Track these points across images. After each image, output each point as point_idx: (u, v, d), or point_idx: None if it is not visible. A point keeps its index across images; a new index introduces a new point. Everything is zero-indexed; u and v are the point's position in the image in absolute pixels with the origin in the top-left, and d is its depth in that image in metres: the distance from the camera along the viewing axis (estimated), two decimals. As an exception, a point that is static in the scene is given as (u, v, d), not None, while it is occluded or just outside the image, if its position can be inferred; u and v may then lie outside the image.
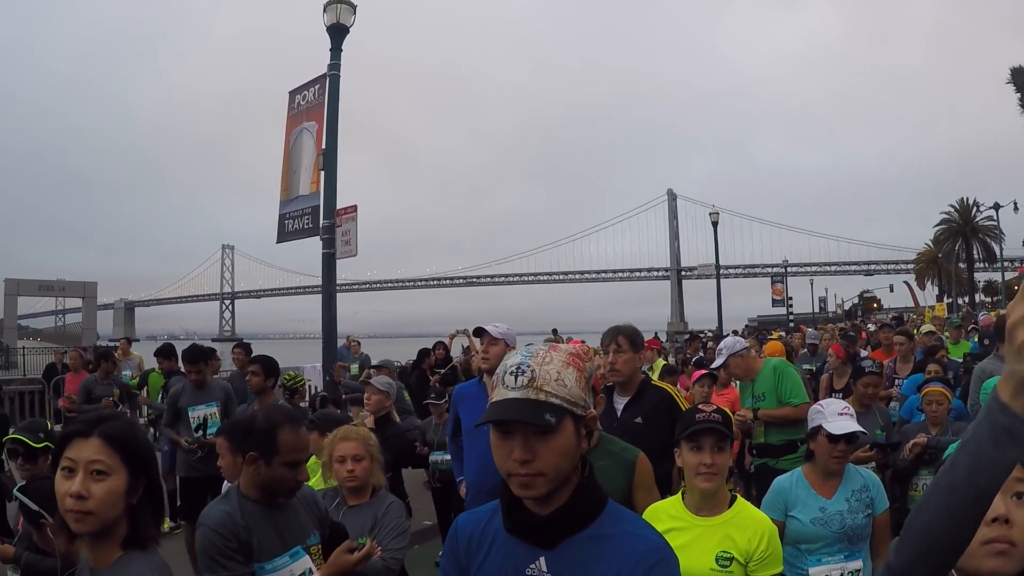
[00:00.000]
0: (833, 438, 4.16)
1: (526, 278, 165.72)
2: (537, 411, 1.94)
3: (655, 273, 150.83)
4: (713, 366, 7.95)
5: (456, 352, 16.85)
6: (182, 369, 9.37)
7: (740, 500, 3.52)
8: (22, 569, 4.29)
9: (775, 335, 24.08)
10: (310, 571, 3.53)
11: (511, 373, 2.00)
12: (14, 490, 4.34)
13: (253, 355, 7.74)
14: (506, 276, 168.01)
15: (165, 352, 11.38)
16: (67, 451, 2.29)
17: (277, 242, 15.06)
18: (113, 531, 2.32)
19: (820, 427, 4.24)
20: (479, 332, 5.79)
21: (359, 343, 19.27)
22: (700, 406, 3.60)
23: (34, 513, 3.87)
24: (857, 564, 4.10)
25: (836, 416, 4.25)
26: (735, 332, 34.45)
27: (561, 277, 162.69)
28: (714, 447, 3.40)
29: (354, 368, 17.09)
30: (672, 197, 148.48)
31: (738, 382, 9.09)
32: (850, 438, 4.22)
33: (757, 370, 7.12)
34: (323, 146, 13.77)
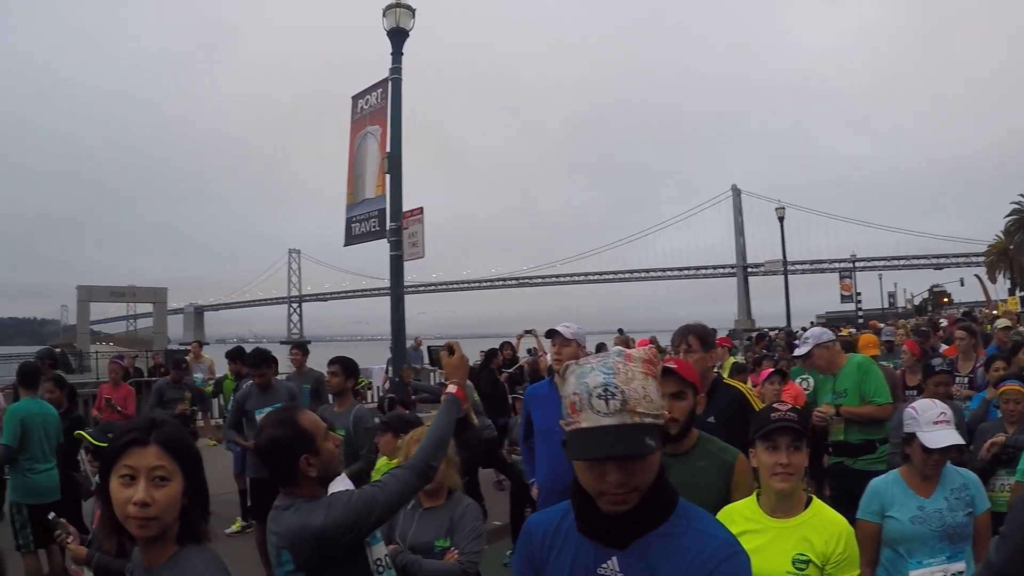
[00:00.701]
0: (929, 450, 4.03)
1: (591, 277, 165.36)
2: (639, 438, 1.91)
3: (721, 270, 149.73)
4: (797, 353, 7.81)
5: (523, 353, 16.79)
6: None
7: (816, 501, 3.42)
8: (94, 570, 4.35)
9: (844, 332, 23.74)
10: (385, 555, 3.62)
11: (599, 396, 1.94)
12: (94, 477, 4.39)
13: (332, 357, 7.76)
14: (571, 275, 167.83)
15: (234, 355, 11.52)
16: (124, 459, 2.30)
17: (344, 245, 15.18)
18: (168, 531, 2.35)
19: (915, 435, 4.11)
20: (551, 334, 5.74)
21: None
22: (775, 405, 3.52)
23: None
24: (960, 566, 3.94)
25: (931, 425, 4.08)
26: (803, 328, 34.08)
27: (627, 275, 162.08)
28: (790, 446, 3.31)
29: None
30: (736, 193, 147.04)
31: (806, 379, 9.00)
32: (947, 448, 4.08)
33: (840, 364, 6.95)
34: (387, 149, 13.85)
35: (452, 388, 3.84)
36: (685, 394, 3.80)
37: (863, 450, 6.60)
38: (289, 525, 3.18)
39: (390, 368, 18.37)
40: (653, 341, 16.04)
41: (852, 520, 3.53)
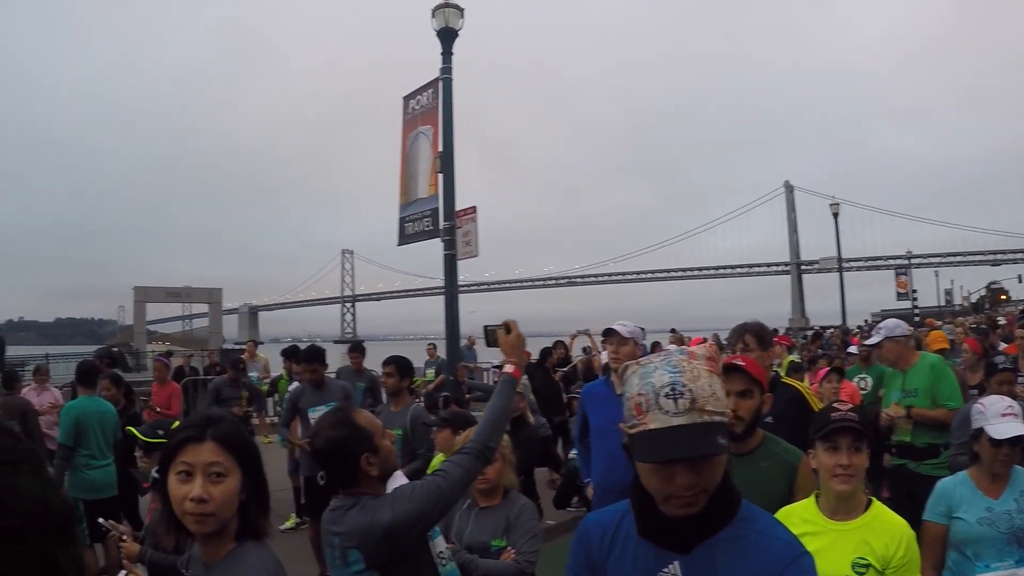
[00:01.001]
0: (996, 442, 3.95)
1: (643, 276, 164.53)
2: (711, 437, 1.87)
3: (774, 268, 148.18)
4: (868, 342, 7.65)
5: (577, 352, 16.76)
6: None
7: (876, 503, 3.36)
8: (148, 566, 4.39)
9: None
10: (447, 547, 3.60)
11: (668, 396, 1.89)
12: (152, 471, 4.43)
13: (387, 357, 7.79)
14: (623, 274, 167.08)
15: (290, 354, 11.59)
16: (181, 455, 2.33)
17: (398, 245, 15.26)
18: (226, 527, 2.37)
19: (982, 429, 4.03)
20: (608, 332, 5.72)
21: (435, 346, 19.37)
22: (835, 404, 3.47)
23: None
24: None
25: (999, 417, 4.00)
26: (859, 327, 33.70)
27: (679, 274, 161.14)
28: (851, 447, 3.25)
29: (430, 373, 17.08)
30: (789, 189, 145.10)
31: (864, 378, 8.86)
32: (1015, 440, 3.99)
33: (911, 362, 6.74)
34: (440, 149, 13.89)
35: (509, 368, 3.79)
36: (752, 392, 3.78)
37: (927, 454, 6.44)
38: (356, 523, 3.17)
39: (426, 371, 18.39)
40: (715, 339, 15.95)
41: (912, 524, 3.45)
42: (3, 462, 0.74)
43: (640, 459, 1.93)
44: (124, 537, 4.54)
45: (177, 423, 5.30)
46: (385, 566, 3.18)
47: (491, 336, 4.17)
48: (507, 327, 3.93)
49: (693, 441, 1.86)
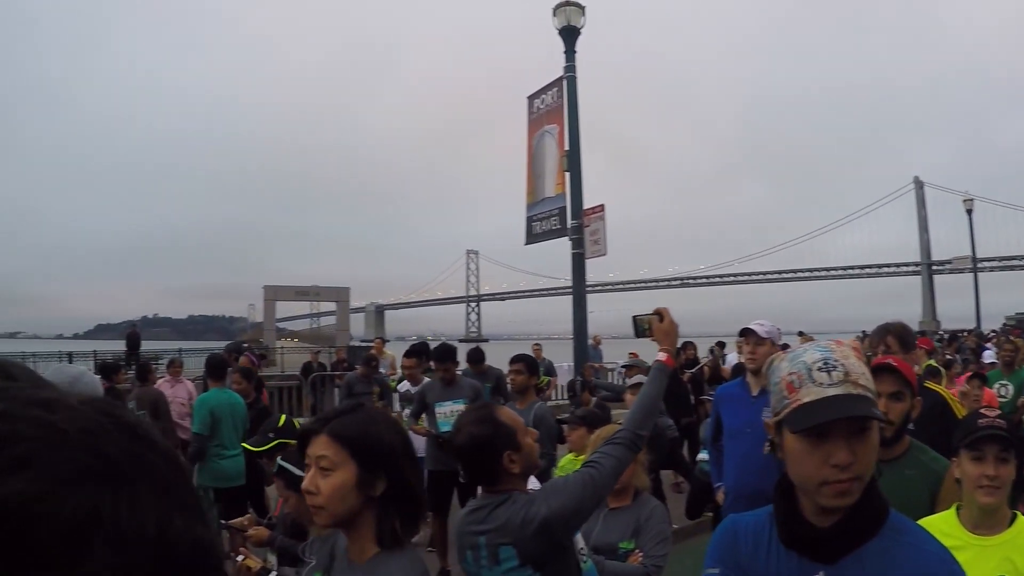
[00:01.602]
0: None
1: (769, 276, 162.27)
2: (867, 405, 1.85)
3: (904, 268, 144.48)
4: None
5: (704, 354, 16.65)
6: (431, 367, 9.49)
7: (1021, 518, 3.17)
8: (277, 552, 4.47)
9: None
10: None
11: (820, 369, 1.88)
12: (278, 459, 4.51)
13: (515, 355, 7.82)
14: (748, 274, 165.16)
15: (417, 351, 11.69)
16: (308, 448, 2.39)
17: (526, 244, 15.32)
18: (359, 526, 2.36)
19: None
20: (745, 332, 5.63)
21: (540, 346, 19.24)
22: (982, 411, 3.34)
23: (297, 479, 3.91)
24: None
25: None
26: (994, 331, 32.65)
27: (806, 274, 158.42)
28: (997, 457, 3.08)
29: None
30: (919, 185, 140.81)
31: (1005, 384, 8.60)
32: None
33: None
34: (566, 147, 13.91)
35: (662, 356, 3.77)
36: (903, 395, 3.64)
37: None
38: (509, 518, 3.13)
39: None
40: (859, 338, 15.75)
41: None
42: (110, 477, 0.55)
43: (797, 427, 1.87)
44: (247, 530, 4.63)
45: (284, 418, 5.45)
46: (539, 561, 3.14)
47: (641, 327, 4.13)
48: (660, 315, 3.89)
49: (850, 405, 1.84)
